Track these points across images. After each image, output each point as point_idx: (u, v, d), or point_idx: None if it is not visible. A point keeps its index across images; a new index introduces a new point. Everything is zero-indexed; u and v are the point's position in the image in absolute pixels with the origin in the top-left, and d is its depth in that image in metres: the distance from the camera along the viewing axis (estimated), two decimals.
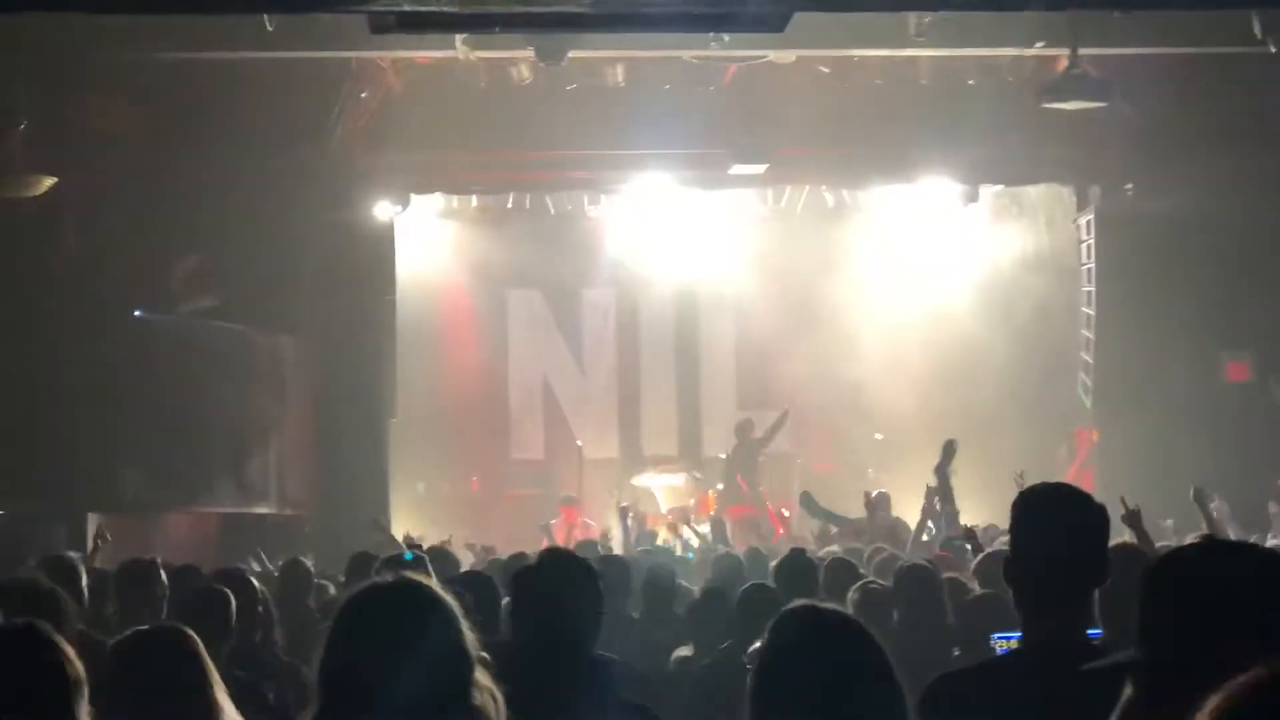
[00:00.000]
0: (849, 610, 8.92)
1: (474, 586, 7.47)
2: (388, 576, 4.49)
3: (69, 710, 4.27)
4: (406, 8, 10.78)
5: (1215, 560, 3.63)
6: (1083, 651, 4.64)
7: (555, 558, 6.14)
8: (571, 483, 23.63)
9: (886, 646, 4.38)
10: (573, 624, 5.73)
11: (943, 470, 17.92)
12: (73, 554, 9.94)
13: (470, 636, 4.07)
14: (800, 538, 18.29)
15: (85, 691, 4.35)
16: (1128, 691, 3.46)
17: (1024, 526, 4.91)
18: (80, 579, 8.91)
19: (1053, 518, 4.90)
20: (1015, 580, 4.87)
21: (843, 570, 10.40)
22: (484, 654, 4.16)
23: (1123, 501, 11.46)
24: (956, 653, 8.30)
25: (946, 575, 10.30)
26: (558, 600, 5.75)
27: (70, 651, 4.36)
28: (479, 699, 3.99)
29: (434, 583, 4.28)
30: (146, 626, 6.27)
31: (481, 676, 4.05)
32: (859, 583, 9.42)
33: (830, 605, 4.45)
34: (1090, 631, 4.92)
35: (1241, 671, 2.96)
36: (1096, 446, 22.26)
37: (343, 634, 4.04)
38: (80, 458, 17.31)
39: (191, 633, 5.90)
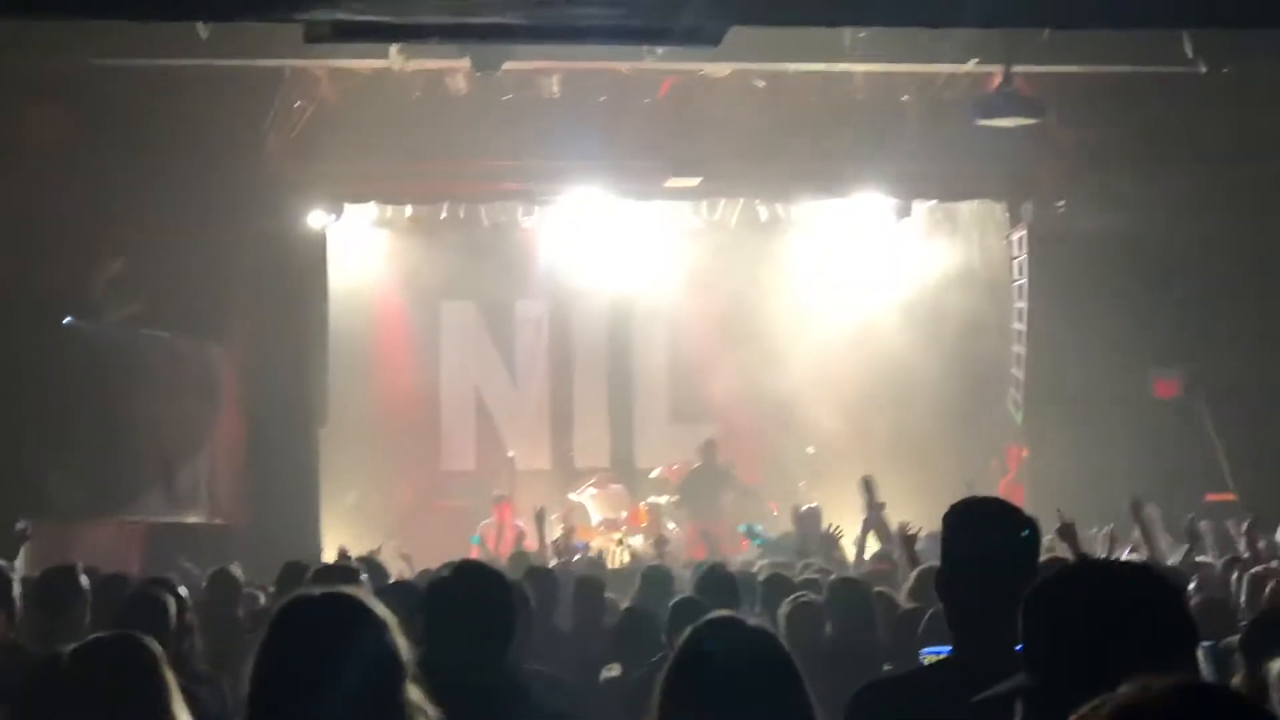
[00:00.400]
0: (781, 623, 9.00)
1: (403, 596, 7.48)
2: (317, 589, 4.47)
3: None
4: (342, 16, 10.76)
5: (1085, 581, 3.69)
6: (1010, 666, 4.76)
7: (468, 571, 6.05)
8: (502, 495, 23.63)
9: (816, 659, 4.40)
10: (487, 640, 5.66)
11: (872, 509, 17.97)
12: (3, 563, 9.84)
13: (403, 649, 4.08)
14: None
15: None
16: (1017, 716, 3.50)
17: (956, 539, 4.93)
18: (11, 589, 8.86)
19: (985, 531, 4.91)
20: (946, 593, 4.92)
21: (778, 584, 10.45)
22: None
23: (1059, 514, 11.56)
24: (887, 667, 8.34)
25: (877, 590, 10.38)
26: (470, 616, 5.67)
27: None
28: (410, 713, 4.00)
29: (366, 594, 4.28)
30: (105, 635, 6.26)
31: (413, 691, 4.06)
32: (791, 596, 9.47)
33: (749, 618, 4.45)
34: (1018, 647, 4.97)
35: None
36: (1027, 462, 22.38)
37: (273, 646, 4.03)
38: (5, 465, 17.21)
39: (153, 643, 5.89)
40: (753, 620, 4.46)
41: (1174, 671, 3.38)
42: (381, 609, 4.13)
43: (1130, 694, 2.33)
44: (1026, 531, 4.94)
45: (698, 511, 22.79)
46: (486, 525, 22.25)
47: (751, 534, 14.25)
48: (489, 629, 5.67)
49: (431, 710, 4.08)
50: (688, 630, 4.32)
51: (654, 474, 24.47)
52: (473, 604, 5.67)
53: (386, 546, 17.33)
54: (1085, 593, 3.61)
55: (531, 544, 19.02)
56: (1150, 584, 3.64)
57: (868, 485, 17.66)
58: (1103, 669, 3.18)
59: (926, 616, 7.94)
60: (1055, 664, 3.48)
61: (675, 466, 24.16)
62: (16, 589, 9.07)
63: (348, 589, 4.34)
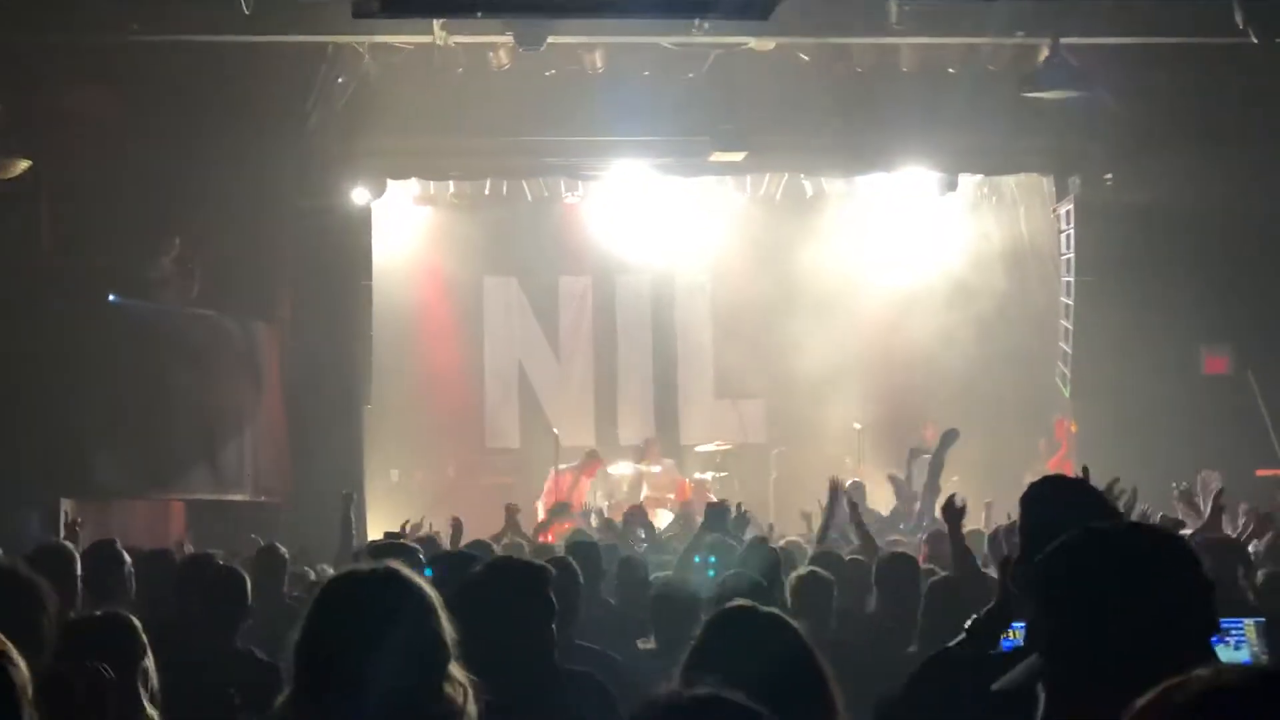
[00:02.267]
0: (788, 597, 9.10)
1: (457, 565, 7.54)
2: (367, 564, 4.49)
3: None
4: None
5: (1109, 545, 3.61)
6: None
7: (501, 569, 6.05)
8: (548, 472, 23.63)
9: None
10: (522, 638, 5.66)
11: (939, 457, 17.95)
12: (67, 543, 9.88)
13: (447, 627, 4.09)
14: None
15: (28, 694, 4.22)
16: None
17: (1032, 522, 4.89)
18: (74, 568, 8.86)
19: (1063, 511, 4.80)
20: (1020, 574, 4.85)
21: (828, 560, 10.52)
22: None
23: (1114, 485, 11.49)
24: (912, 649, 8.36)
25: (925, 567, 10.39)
26: (505, 616, 5.68)
27: (13, 655, 4.20)
28: (450, 690, 4.02)
29: (412, 572, 4.27)
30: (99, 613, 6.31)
31: (455, 668, 4.08)
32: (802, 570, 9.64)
33: (766, 608, 4.43)
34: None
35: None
36: (1075, 437, 22.33)
37: (320, 618, 4.07)
38: (53, 444, 17.30)
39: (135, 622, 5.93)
40: (765, 609, 4.45)
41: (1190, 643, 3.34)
42: (428, 588, 4.15)
43: (1210, 678, 2.25)
44: (1108, 511, 4.99)
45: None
46: (569, 474, 22.81)
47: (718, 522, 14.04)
48: (525, 626, 5.69)
49: (473, 687, 4.10)
50: (704, 621, 4.34)
51: (700, 449, 24.52)
52: (506, 606, 5.68)
53: (426, 523, 17.36)
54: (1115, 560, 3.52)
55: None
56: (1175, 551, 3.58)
57: (949, 437, 17.63)
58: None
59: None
60: (1073, 642, 3.39)
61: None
62: (78, 569, 9.08)
63: (396, 564, 4.36)
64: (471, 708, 4.01)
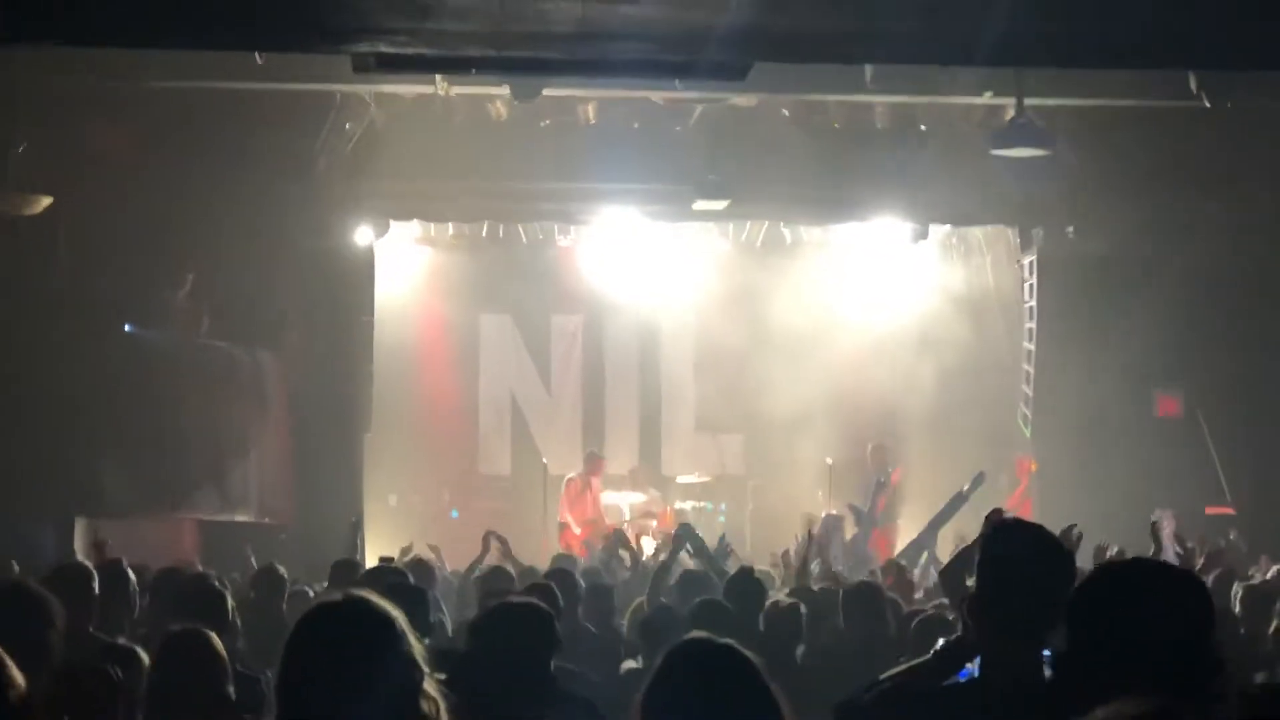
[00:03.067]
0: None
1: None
2: (337, 595, 4.54)
3: None
4: (385, 49, 10.88)
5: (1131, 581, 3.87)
6: (1035, 693, 4.66)
7: (510, 612, 6.18)
8: (536, 498, 23.74)
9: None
10: (527, 672, 5.80)
11: (961, 498, 17.96)
12: (86, 562, 9.90)
13: (419, 648, 4.08)
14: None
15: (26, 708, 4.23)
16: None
17: (997, 562, 4.87)
18: (93, 586, 8.88)
19: (1026, 556, 4.85)
20: (981, 614, 4.84)
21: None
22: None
23: (1071, 530, 11.54)
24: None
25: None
26: (513, 654, 5.82)
27: (14, 675, 4.21)
28: (425, 707, 4.02)
29: (383, 600, 4.22)
30: (180, 629, 6.38)
31: (428, 685, 4.07)
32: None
33: (722, 640, 4.47)
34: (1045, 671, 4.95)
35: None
36: (1035, 475, 22.37)
37: (295, 652, 4.04)
38: (68, 465, 17.34)
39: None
40: (722, 640, 4.48)
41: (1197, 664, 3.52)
42: (397, 612, 4.11)
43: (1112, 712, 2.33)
44: (1067, 560, 4.90)
45: None
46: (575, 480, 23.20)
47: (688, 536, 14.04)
48: (532, 659, 5.82)
49: (442, 700, 4.08)
50: (663, 652, 4.40)
51: (681, 479, 24.56)
52: (515, 650, 5.82)
53: (417, 545, 17.40)
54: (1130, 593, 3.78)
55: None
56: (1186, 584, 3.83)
57: (978, 481, 17.62)
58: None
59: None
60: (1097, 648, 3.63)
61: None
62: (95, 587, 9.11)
63: (367, 593, 4.38)
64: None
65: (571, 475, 23.57)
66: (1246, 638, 10.44)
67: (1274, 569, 14.05)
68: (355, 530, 16.05)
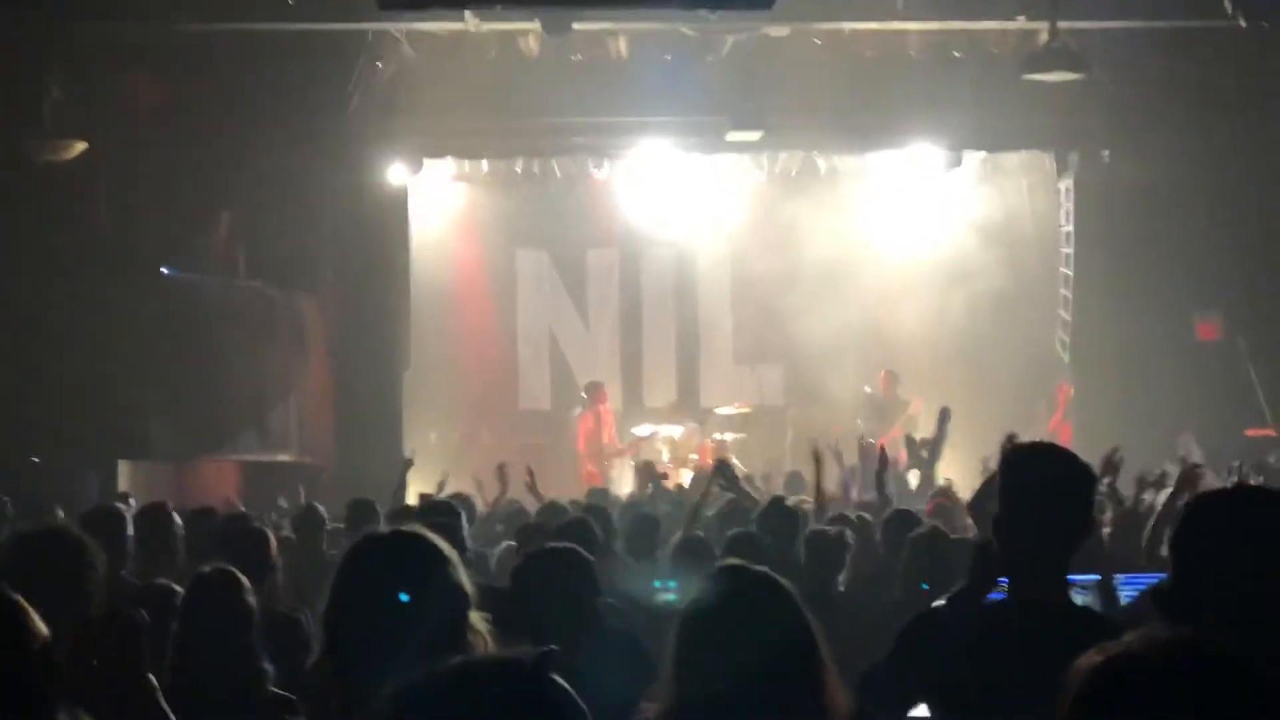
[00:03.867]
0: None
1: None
2: (384, 528, 4.53)
3: (37, 685, 4.16)
4: None
5: (1241, 505, 3.81)
6: (1066, 608, 4.79)
7: (553, 559, 6.23)
8: (576, 432, 23.85)
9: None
10: (568, 614, 5.85)
11: (939, 435, 17.97)
12: (120, 505, 9.96)
13: (466, 579, 4.10)
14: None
15: (45, 656, 4.22)
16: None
17: (1015, 483, 4.84)
18: (125, 530, 8.93)
19: (1043, 478, 4.81)
20: (1003, 536, 4.81)
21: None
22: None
23: (1113, 453, 11.45)
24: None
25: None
26: (554, 599, 5.87)
27: (32, 621, 4.18)
28: (472, 639, 4.01)
29: (428, 532, 4.24)
30: (209, 569, 6.40)
31: (475, 618, 4.08)
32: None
33: (758, 568, 4.45)
34: (1076, 580, 4.94)
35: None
36: (1074, 400, 22.37)
37: (341, 584, 4.07)
38: (111, 409, 17.44)
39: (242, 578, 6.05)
40: (758, 568, 4.47)
41: None
42: (444, 544, 4.14)
43: (1126, 644, 2.27)
44: (1084, 478, 4.87)
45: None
46: (585, 413, 23.53)
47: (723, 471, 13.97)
48: (568, 607, 5.87)
49: (489, 634, 4.08)
50: (702, 579, 4.39)
51: (720, 410, 24.58)
52: (558, 590, 5.86)
53: (456, 481, 17.41)
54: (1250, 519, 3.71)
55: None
56: None
57: (944, 416, 17.70)
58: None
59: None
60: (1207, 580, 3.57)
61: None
62: (129, 530, 9.16)
63: (415, 526, 4.38)
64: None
65: (578, 410, 23.75)
66: None
67: None
68: (407, 467, 16.11)
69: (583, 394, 23.94)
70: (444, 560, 4.08)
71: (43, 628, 4.12)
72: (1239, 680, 2.20)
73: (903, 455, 19.24)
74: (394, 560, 4.09)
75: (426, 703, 2.27)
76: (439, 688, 2.29)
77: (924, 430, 19.29)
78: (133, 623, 4.60)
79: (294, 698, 5.85)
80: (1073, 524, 4.78)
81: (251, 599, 6.09)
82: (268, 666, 5.95)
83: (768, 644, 4.16)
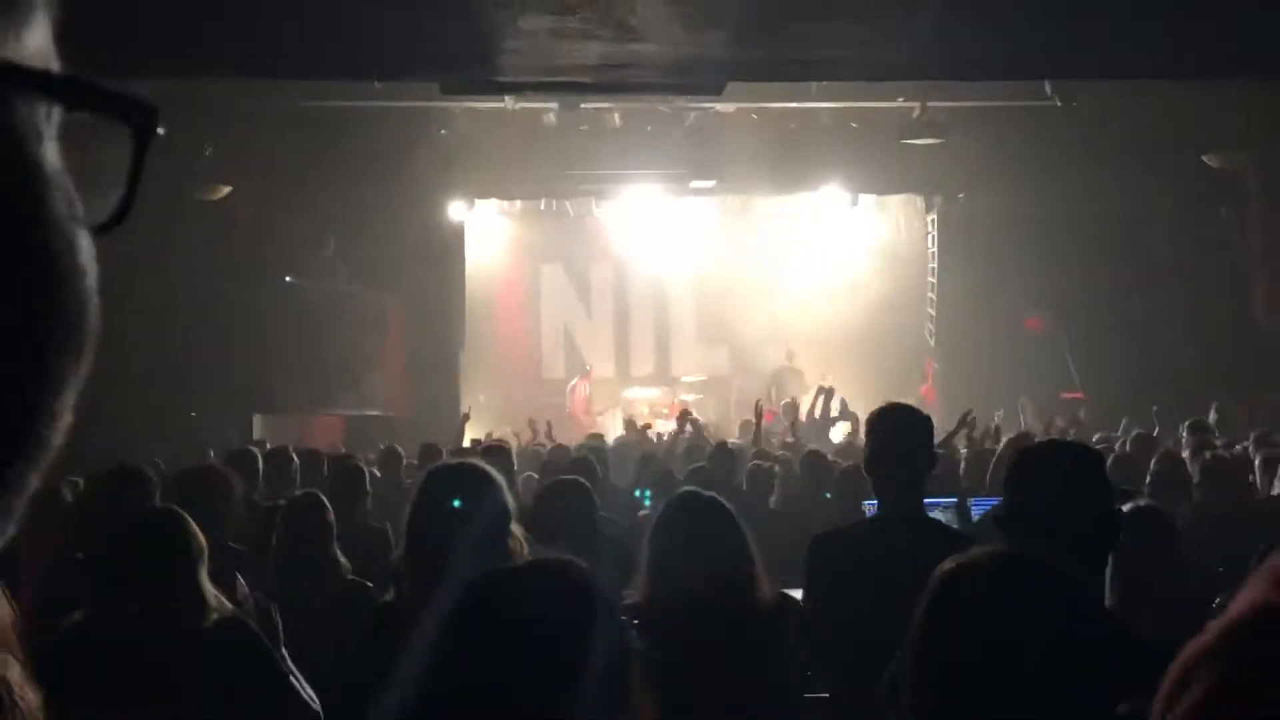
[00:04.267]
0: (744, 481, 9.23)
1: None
2: (451, 459, 4.55)
3: (195, 575, 4.19)
4: (468, 78, 10.88)
5: (1053, 454, 3.86)
6: (921, 519, 4.83)
7: (563, 488, 6.29)
8: (582, 394, 23.93)
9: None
10: (576, 526, 5.92)
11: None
12: (253, 448, 10.00)
13: (509, 501, 4.14)
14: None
15: (206, 557, 4.24)
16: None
17: (877, 433, 4.89)
18: (257, 466, 8.97)
19: (893, 424, 4.89)
20: (872, 470, 4.86)
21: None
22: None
23: (968, 414, 11.52)
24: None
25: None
26: (566, 515, 5.94)
27: (192, 527, 4.19)
28: (512, 543, 4.07)
29: (483, 463, 4.32)
30: (301, 494, 6.43)
31: (515, 528, 4.13)
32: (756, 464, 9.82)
33: (708, 493, 4.48)
34: (930, 502, 4.99)
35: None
36: (938, 373, 22.44)
37: (419, 498, 4.12)
38: (248, 378, 17.49)
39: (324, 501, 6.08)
40: (707, 493, 4.50)
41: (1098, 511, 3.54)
42: (494, 472, 4.16)
43: (962, 559, 2.21)
44: (924, 425, 4.93)
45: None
46: (577, 383, 23.79)
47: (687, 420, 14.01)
48: (581, 513, 5.93)
49: (527, 544, 4.10)
50: (666, 501, 4.44)
51: (685, 379, 24.65)
52: (569, 509, 5.95)
53: (497, 430, 17.54)
54: (1052, 461, 3.74)
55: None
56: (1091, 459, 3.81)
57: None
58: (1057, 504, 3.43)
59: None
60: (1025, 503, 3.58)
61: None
62: (260, 465, 9.20)
63: (475, 459, 4.41)
64: (525, 555, 3.99)
65: (573, 382, 23.91)
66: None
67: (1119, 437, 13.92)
68: (464, 420, 16.23)
69: (585, 368, 24.11)
70: (493, 482, 4.10)
71: (199, 532, 4.19)
72: (1053, 579, 2.18)
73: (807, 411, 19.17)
74: (457, 481, 4.13)
75: (518, 587, 2.23)
76: (523, 577, 2.27)
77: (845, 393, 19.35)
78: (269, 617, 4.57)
79: (369, 584, 5.87)
80: (920, 457, 4.82)
81: (330, 516, 6.10)
82: (343, 560, 5.97)
83: (713, 549, 4.21)
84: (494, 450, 9.77)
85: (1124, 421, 15.27)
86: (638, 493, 9.39)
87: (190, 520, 4.20)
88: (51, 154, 0.65)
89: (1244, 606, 0.69)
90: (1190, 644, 0.72)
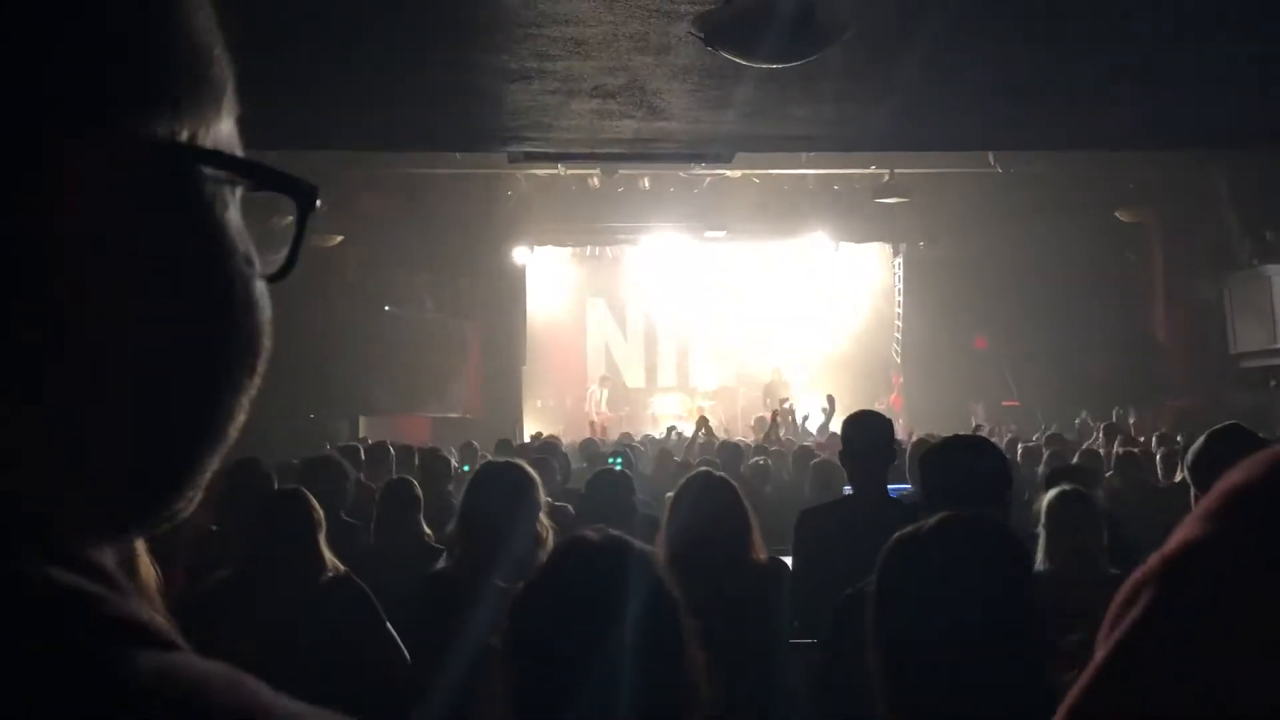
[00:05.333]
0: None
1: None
2: (499, 458, 4.52)
3: (315, 541, 4.18)
4: (528, 149, 10.93)
5: (956, 448, 3.72)
6: (885, 499, 4.86)
7: (608, 476, 6.28)
8: (620, 400, 23.90)
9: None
10: (617, 505, 5.92)
11: (830, 410, 17.91)
12: (355, 442, 10.04)
13: (542, 494, 4.09)
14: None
15: (324, 527, 4.22)
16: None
17: (849, 432, 4.92)
18: (360, 456, 9.01)
19: (863, 426, 4.92)
20: (846, 460, 4.90)
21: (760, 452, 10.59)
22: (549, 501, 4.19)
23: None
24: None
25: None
26: (609, 496, 5.95)
27: (314, 502, 4.18)
28: (541, 531, 4.01)
29: (525, 462, 4.24)
30: (399, 478, 6.42)
31: (544, 516, 4.07)
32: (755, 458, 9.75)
33: (718, 473, 4.48)
34: (891, 487, 5.00)
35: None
36: (902, 384, 22.36)
37: (471, 491, 4.07)
38: (355, 386, 17.51)
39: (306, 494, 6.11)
40: (719, 473, 4.50)
41: (998, 504, 3.42)
42: (532, 471, 4.09)
43: (911, 527, 2.16)
44: (886, 426, 4.97)
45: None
46: (593, 391, 23.62)
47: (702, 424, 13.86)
48: (623, 498, 5.94)
49: (551, 527, 4.04)
50: (684, 480, 4.44)
51: (702, 389, 24.60)
52: (610, 493, 5.96)
53: (549, 429, 17.54)
54: (957, 453, 3.63)
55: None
56: (987, 450, 3.71)
57: (832, 402, 17.50)
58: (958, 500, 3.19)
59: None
60: (936, 493, 3.48)
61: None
62: (362, 456, 9.25)
63: (516, 460, 4.36)
64: (550, 540, 3.94)
65: (592, 388, 23.70)
66: (1020, 476, 10.36)
67: (1039, 436, 13.90)
68: (518, 422, 16.25)
69: (601, 377, 24.02)
70: (530, 479, 4.06)
71: (319, 506, 4.22)
72: (995, 532, 2.15)
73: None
74: (501, 475, 4.08)
75: (580, 557, 2.21)
76: (588, 549, 2.23)
77: (815, 405, 19.27)
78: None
79: (444, 547, 5.88)
80: (884, 451, 4.87)
81: (419, 493, 6.08)
82: (427, 530, 5.95)
83: (719, 515, 4.20)
84: (549, 445, 9.80)
85: (1042, 425, 15.28)
86: (610, 460, 9.30)
87: (312, 498, 4.24)
88: (235, 218, 0.69)
89: (1178, 538, 0.70)
90: (1135, 572, 0.73)
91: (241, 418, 0.69)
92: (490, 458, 11.50)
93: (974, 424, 17.25)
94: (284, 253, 0.73)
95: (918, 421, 18.97)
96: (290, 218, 0.74)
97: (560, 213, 20.79)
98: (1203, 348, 18.36)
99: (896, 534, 2.20)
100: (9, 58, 0.57)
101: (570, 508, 6.68)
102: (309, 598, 4.03)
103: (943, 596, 2.02)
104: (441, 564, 4.21)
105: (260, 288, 0.70)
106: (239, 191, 0.69)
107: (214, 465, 0.68)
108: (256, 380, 0.70)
